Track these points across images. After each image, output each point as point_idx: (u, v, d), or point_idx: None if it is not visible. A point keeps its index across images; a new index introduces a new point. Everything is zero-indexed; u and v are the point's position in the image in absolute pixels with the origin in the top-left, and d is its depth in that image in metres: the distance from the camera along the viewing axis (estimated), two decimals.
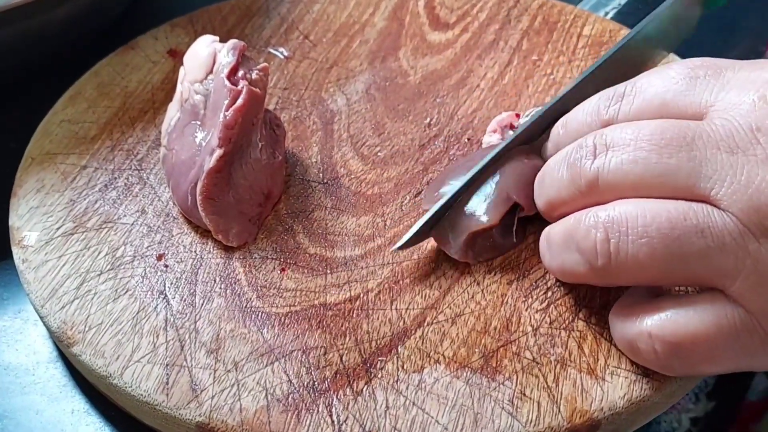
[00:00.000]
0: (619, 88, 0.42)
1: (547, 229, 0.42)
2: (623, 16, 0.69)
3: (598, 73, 0.47)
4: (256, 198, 0.47)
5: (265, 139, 0.48)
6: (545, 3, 0.63)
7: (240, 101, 0.45)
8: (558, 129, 0.45)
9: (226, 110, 0.45)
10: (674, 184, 0.36)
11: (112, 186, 0.50)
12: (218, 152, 0.45)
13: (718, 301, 0.35)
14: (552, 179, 0.41)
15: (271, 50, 0.61)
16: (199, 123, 0.47)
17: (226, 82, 0.46)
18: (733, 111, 0.36)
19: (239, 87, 0.46)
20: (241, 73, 0.47)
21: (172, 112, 0.49)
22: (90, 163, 0.52)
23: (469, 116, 0.54)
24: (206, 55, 0.48)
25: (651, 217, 0.36)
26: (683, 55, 0.55)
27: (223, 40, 0.61)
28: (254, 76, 0.47)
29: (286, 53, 0.60)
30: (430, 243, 0.46)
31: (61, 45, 0.62)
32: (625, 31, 0.60)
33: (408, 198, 0.49)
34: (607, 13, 0.68)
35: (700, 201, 0.35)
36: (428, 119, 0.54)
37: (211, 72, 0.48)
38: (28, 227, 0.48)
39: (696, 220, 0.35)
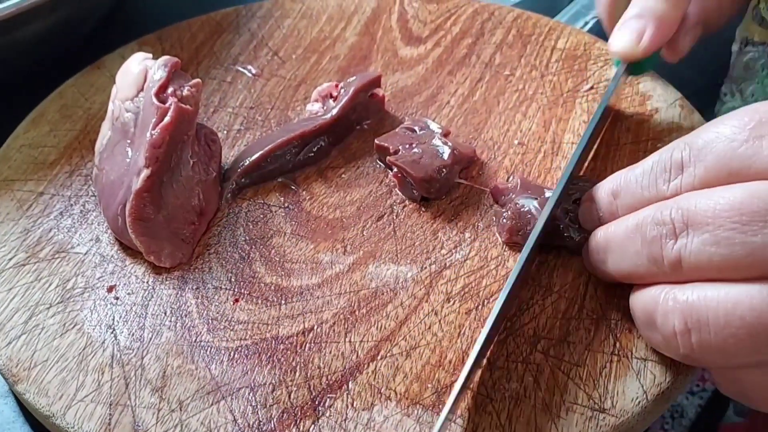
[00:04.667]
0: (675, 153, 0.38)
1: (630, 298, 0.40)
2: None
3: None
4: (188, 216, 0.46)
5: (197, 156, 0.47)
6: (520, 15, 0.61)
7: (167, 119, 0.44)
8: (608, 198, 0.41)
9: (153, 128, 0.44)
10: (762, 264, 0.33)
11: (68, 213, 0.49)
12: (145, 172, 0.44)
13: None
14: (625, 252, 0.39)
15: (240, 68, 0.59)
16: (129, 142, 0.46)
17: (154, 100, 0.45)
18: None
19: (167, 104, 0.45)
20: (171, 89, 0.46)
21: (104, 131, 0.48)
22: (47, 189, 0.51)
23: None
24: (137, 72, 0.47)
25: (733, 305, 0.33)
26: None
27: (190, 58, 0.60)
28: (185, 92, 0.46)
29: (254, 71, 0.59)
30: (389, 270, 0.45)
31: (28, 65, 0.61)
32: (600, 44, 0.58)
33: (370, 222, 0.48)
34: (586, 23, 0.67)
35: None
36: None
37: (142, 90, 0.47)
38: None
39: None
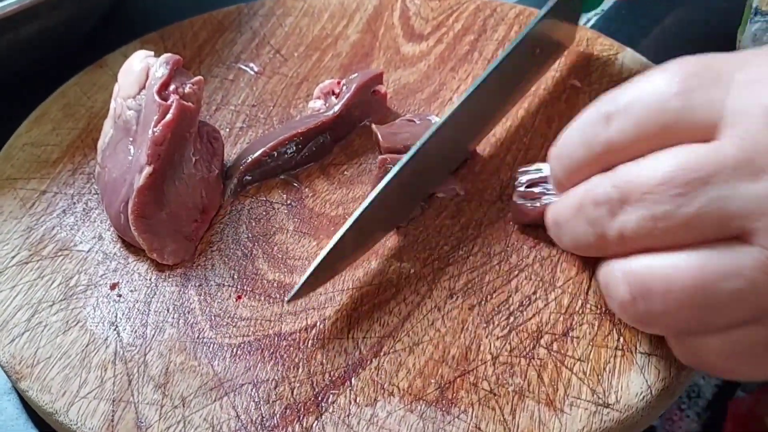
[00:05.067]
0: (603, 106, 0.37)
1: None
2: (607, 22, 0.67)
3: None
4: (191, 214, 0.46)
5: (200, 153, 0.47)
6: (522, 12, 0.61)
7: (169, 116, 0.44)
8: (553, 162, 0.41)
9: (155, 126, 0.44)
10: (700, 231, 0.33)
11: (71, 211, 0.49)
12: (147, 169, 0.44)
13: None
14: (574, 231, 0.39)
15: (242, 66, 0.59)
16: (131, 139, 0.46)
17: (156, 97, 0.45)
18: (745, 124, 0.32)
19: (169, 101, 0.45)
20: (172, 87, 0.46)
21: (106, 129, 0.48)
22: (50, 188, 0.51)
23: None
24: (139, 70, 0.47)
25: (673, 270, 0.34)
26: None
27: (193, 56, 0.60)
28: (187, 89, 0.46)
29: (256, 69, 0.59)
30: (392, 266, 0.45)
31: (30, 63, 0.61)
32: (602, 39, 0.58)
33: None
34: (589, 20, 0.67)
35: (732, 238, 0.33)
36: None
37: (144, 87, 0.47)
38: None
39: (721, 267, 0.33)
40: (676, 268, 0.34)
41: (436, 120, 0.51)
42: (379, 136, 0.49)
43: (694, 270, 0.33)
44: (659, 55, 0.53)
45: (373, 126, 0.50)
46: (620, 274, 0.36)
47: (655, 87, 0.35)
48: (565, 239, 0.41)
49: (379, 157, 0.48)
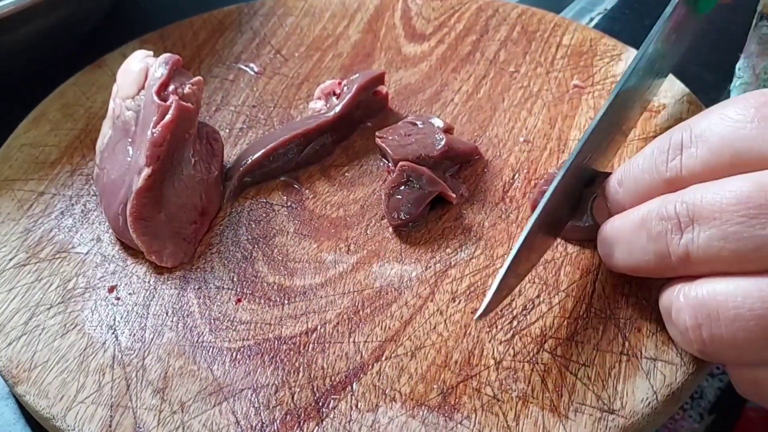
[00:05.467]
0: (675, 135, 0.37)
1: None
2: (610, 22, 0.67)
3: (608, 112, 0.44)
4: (190, 216, 0.46)
5: (199, 155, 0.47)
6: (525, 12, 0.61)
7: (168, 117, 0.44)
8: (614, 187, 0.41)
9: (154, 127, 0.44)
10: None
11: (69, 213, 0.49)
12: (146, 171, 0.43)
13: None
14: (632, 247, 0.38)
15: (242, 66, 0.59)
16: (130, 140, 0.46)
17: (155, 98, 0.44)
18: None
19: (168, 102, 0.44)
20: (172, 87, 0.45)
21: (105, 130, 0.48)
22: (48, 189, 0.50)
23: None
24: (138, 71, 0.47)
25: (742, 298, 0.33)
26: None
27: (192, 56, 0.60)
28: (186, 90, 0.45)
29: (256, 69, 0.59)
30: (394, 269, 0.44)
31: (27, 64, 0.60)
32: (606, 40, 0.57)
33: (374, 221, 0.47)
34: (592, 19, 0.66)
35: None
36: None
37: (143, 88, 0.46)
38: None
39: None
40: (747, 296, 0.33)
41: (439, 122, 0.50)
42: (388, 149, 0.48)
43: (766, 298, 0.32)
44: None
45: (378, 140, 0.49)
46: (684, 298, 0.35)
47: (728, 116, 0.35)
48: (619, 257, 0.39)
49: (400, 163, 0.47)
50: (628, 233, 0.38)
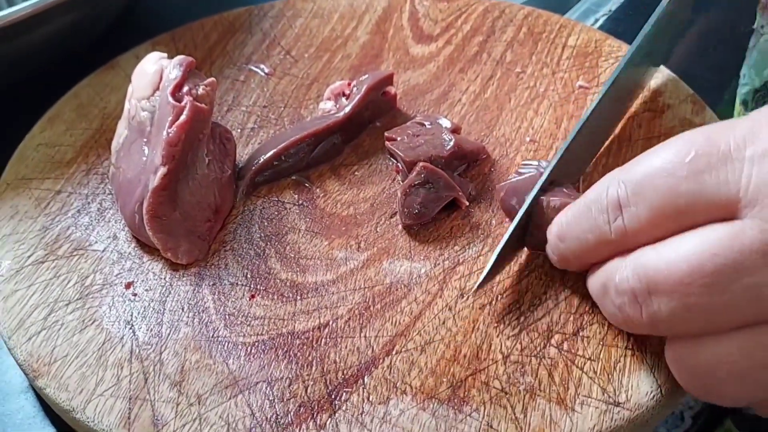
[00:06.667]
0: (610, 190, 0.36)
1: None
2: (614, 23, 0.67)
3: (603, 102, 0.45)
4: (204, 214, 0.47)
5: (213, 154, 0.48)
6: (531, 13, 0.62)
7: (183, 117, 0.45)
8: (555, 242, 0.40)
9: (170, 127, 0.45)
10: (741, 319, 0.33)
11: (85, 211, 0.50)
12: (162, 170, 0.44)
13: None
14: (603, 307, 0.39)
15: (252, 67, 0.60)
16: (145, 140, 0.47)
17: (170, 99, 0.46)
18: (765, 203, 0.31)
19: (183, 103, 0.45)
20: (186, 88, 0.46)
21: (120, 130, 0.49)
22: (65, 187, 0.51)
23: None
24: (153, 72, 0.48)
25: (724, 356, 0.34)
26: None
27: (204, 57, 0.61)
28: (200, 91, 0.47)
29: (267, 70, 0.60)
30: (403, 266, 0.45)
31: (41, 66, 0.62)
32: (611, 41, 0.58)
33: (383, 219, 0.48)
34: (597, 20, 0.67)
35: None
36: None
37: (158, 89, 0.47)
38: (0, 255, 0.47)
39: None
40: (728, 354, 0.34)
41: (447, 122, 0.51)
42: (399, 152, 0.49)
43: (742, 354, 0.33)
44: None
45: (388, 143, 0.50)
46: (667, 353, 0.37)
47: (663, 169, 0.34)
48: (603, 311, 0.40)
49: (420, 164, 0.47)
50: (599, 297, 0.39)
